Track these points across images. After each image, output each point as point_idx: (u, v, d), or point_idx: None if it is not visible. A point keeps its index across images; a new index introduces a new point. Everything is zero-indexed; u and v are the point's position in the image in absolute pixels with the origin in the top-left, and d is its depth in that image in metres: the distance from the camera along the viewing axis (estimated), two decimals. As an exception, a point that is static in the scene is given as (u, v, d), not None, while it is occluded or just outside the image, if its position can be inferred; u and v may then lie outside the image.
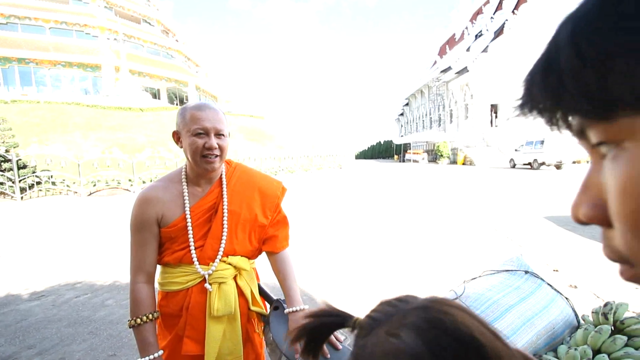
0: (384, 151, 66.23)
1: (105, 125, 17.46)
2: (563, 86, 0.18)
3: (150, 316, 1.00)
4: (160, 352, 0.99)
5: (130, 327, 1.00)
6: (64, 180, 11.58)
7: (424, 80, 39.13)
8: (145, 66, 28.33)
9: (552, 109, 0.19)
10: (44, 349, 2.34)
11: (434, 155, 30.56)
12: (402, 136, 49.88)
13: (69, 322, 2.71)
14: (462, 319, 0.31)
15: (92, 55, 25.74)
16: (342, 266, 3.90)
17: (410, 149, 37.33)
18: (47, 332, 2.58)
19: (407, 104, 48.99)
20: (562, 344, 1.08)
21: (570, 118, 0.19)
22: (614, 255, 0.20)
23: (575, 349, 0.93)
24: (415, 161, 33.36)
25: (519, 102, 0.20)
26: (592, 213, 0.20)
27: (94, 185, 11.99)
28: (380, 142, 71.51)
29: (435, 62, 40.25)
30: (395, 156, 45.41)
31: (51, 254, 4.60)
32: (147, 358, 0.96)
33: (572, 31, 0.17)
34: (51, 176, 11.38)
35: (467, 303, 1.13)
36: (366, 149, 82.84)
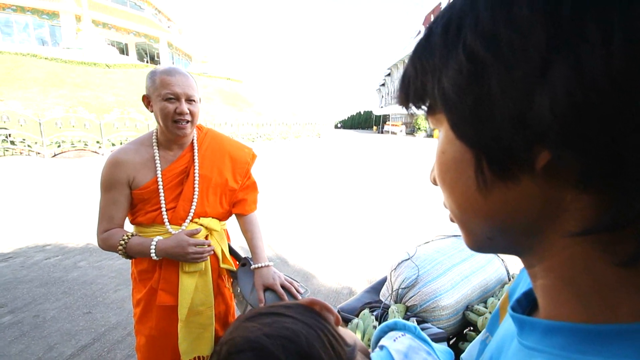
0: (364, 122, 66.27)
1: (68, 82, 16.20)
2: (409, 88, 0.26)
3: (130, 234, 1.06)
4: (157, 237, 1.05)
5: (124, 255, 1.05)
6: (24, 139, 10.83)
7: (407, 50, 38.60)
8: (110, 17, 25.91)
9: (406, 104, 0.27)
10: (16, 308, 2.37)
11: (411, 128, 30.99)
12: (382, 107, 49.83)
13: (41, 283, 2.73)
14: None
15: (47, 1, 23.12)
16: (315, 232, 4.08)
17: (389, 120, 37.54)
18: (17, 292, 2.59)
19: (389, 74, 48.46)
20: (492, 296, 1.27)
21: (419, 110, 0.27)
22: (445, 205, 0.29)
23: (498, 299, 1.11)
24: (393, 133, 33.74)
25: (396, 97, 0.28)
26: (433, 176, 0.29)
27: (59, 146, 11.33)
28: (360, 112, 71.25)
29: (420, 32, 39.60)
30: (374, 127, 45.61)
31: (16, 216, 4.45)
32: (152, 248, 1.02)
33: (412, 53, 0.25)
34: (9, 135, 10.60)
35: (416, 263, 1.28)
36: (346, 118, 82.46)
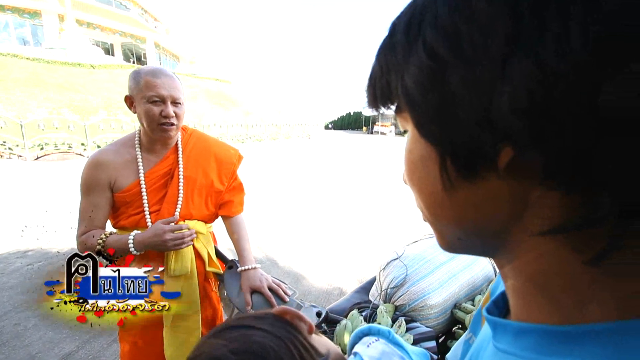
0: (354, 122, 66.68)
1: (52, 83, 15.75)
2: (375, 87, 0.25)
3: (108, 233, 1.02)
4: (135, 232, 1.02)
5: (105, 257, 0.99)
6: (4, 142, 10.49)
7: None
8: (95, 16, 25.34)
9: (374, 104, 0.26)
10: (-4, 316, 2.29)
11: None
12: (371, 108, 50.18)
13: (22, 290, 2.64)
14: None
15: None
16: (305, 233, 4.06)
17: (378, 121, 37.82)
18: (-3, 299, 2.50)
19: (378, 75, 48.84)
20: (480, 294, 1.28)
21: (387, 110, 0.26)
22: (418, 205, 0.29)
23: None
24: (382, 133, 33.99)
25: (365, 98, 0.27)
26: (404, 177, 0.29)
27: (42, 148, 11.01)
28: (350, 113, 71.61)
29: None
30: (364, 127, 45.88)
31: (-4, 221, 4.31)
32: (130, 243, 0.98)
33: (377, 51, 0.25)
34: (-11, 137, 10.26)
35: (405, 262, 1.28)
36: (336, 119, 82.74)
